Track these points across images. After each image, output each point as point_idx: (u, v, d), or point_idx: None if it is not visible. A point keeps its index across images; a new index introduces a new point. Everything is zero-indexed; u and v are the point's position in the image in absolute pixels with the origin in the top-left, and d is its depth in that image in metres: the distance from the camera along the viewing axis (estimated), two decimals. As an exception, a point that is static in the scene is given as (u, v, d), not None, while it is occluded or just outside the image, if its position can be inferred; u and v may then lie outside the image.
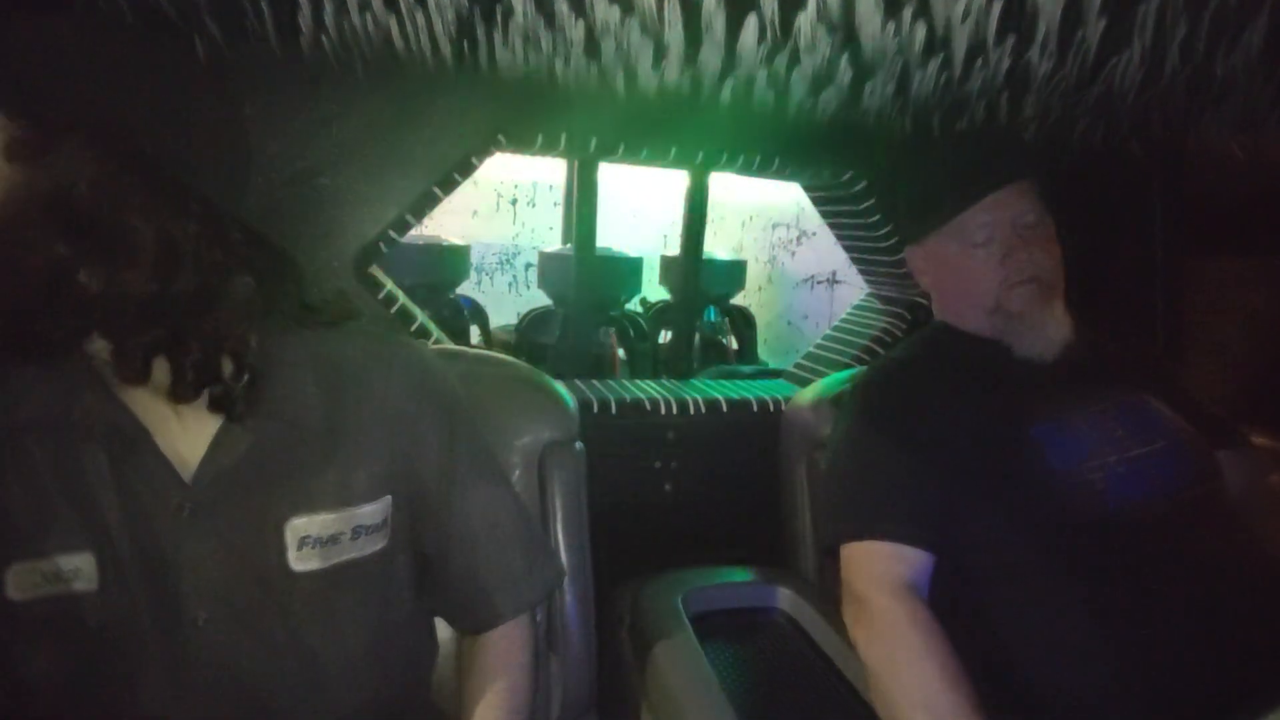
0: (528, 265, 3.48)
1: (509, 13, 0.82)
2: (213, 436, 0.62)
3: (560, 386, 0.99)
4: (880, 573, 0.85)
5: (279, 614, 0.62)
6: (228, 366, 0.61)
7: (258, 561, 0.62)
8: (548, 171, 3.49)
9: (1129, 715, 0.77)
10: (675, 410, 1.33)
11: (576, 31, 0.87)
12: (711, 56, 0.93)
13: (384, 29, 0.89)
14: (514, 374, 0.98)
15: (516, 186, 3.57)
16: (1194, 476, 0.90)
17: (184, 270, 0.57)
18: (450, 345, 1.15)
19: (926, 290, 1.12)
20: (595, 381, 1.44)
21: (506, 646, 0.75)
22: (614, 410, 1.29)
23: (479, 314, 2.35)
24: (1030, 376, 0.96)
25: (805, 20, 0.76)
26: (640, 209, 3.60)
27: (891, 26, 0.76)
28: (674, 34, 0.85)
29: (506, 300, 3.33)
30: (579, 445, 0.97)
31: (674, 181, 3.52)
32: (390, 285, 1.16)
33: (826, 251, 3.58)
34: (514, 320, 2.59)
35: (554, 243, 3.48)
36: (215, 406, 0.61)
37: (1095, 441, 0.89)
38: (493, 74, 1.04)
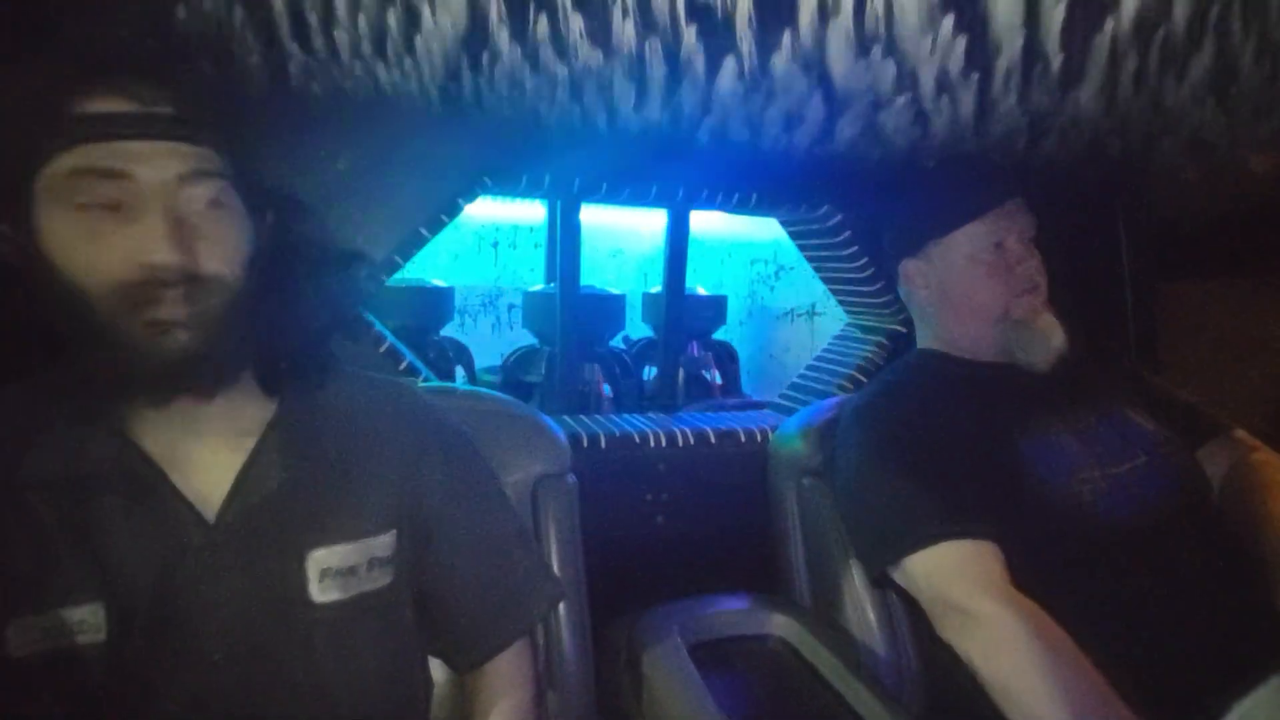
0: (510, 306, 3.49)
1: (495, 58, 0.85)
2: (236, 473, 0.63)
3: (550, 420, 1.00)
4: (973, 574, 0.82)
5: (298, 648, 0.63)
6: None
7: (278, 595, 0.62)
8: (528, 213, 3.53)
9: None
10: (664, 442, 1.33)
11: (560, 75, 0.90)
12: (691, 97, 0.97)
13: (371, 73, 0.91)
14: (505, 409, 0.99)
15: (497, 229, 3.61)
16: (1177, 489, 0.92)
17: None
18: (440, 383, 1.15)
19: (923, 303, 1.11)
20: (584, 416, 1.45)
21: (509, 678, 0.75)
22: (604, 444, 1.29)
23: (464, 355, 2.36)
24: (1015, 395, 0.98)
25: (780, 60, 0.80)
26: (620, 247, 3.64)
27: (862, 64, 0.80)
28: (655, 76, 0.88)
29: (490, 341, 3.33)
30: (571, 478, 0.97)
31: (653, 220, 3.59)
32: (378, 325, 1.17)
33: (804, 285, 3.64)
34: (498, 360, 2.59)
35: (536, 284, 3.50)
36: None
37: (1081, 456, 0.91)
38: (478, 117, 1.07)
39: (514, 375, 2.25)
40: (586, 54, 0.81)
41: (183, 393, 0.59)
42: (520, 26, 0.74)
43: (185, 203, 0.57)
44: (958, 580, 0.83)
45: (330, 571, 0.64)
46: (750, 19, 0.69)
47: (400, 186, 1.10)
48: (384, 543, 0.68)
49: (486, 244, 3.63)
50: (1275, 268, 1.33)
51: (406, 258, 1.14)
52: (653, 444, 1.33)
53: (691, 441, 1.35)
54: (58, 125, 0.54)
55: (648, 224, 3.63)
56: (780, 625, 1.01)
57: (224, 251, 0.58)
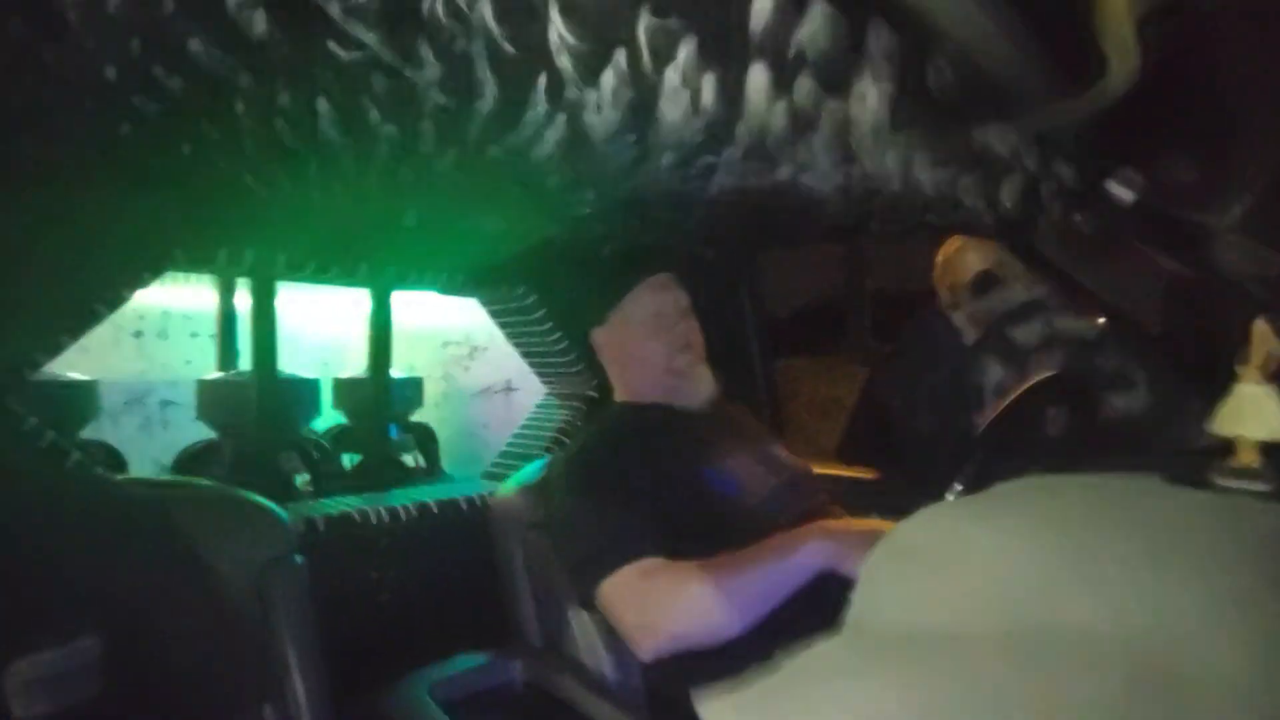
0: (163, 403, 3.02)
1: (187, 121, 0.80)
2: None
3: (269, 502, 0.96)
4: (648, 589, 0.96)
5: None
6: None
7: None
8: (184, 298, 3.14)
9: None
10: (386, 518, 1.32)
11: (263, 145, 0.88)
12: (398, 176, 1.03)
13: (43, 130, 0.82)
14: (217, 495, 0.93)
15: (141, 317, 3.14)
16: (812, 495, 1.23)
17: None
18: (146, 476, 1.02)
19: (610, 364, 1.32)
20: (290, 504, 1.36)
21: None
22: (322, 528, 1.24)
23: (116, 459, 1.99)
24: (691, 434, 1.21)
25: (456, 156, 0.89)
26: (293, 333, 3.42)
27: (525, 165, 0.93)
28: (363, 149, 0.91)
29: (140, 443, 2.83)
30: (298, 558, 0.94)
31: (329, 304, 3.44)
32: (34, 418, 1.00)
33: (498, 363, 3.78)
34: (154, 468, 2.24)
35: (195, 376, 3.10)
36: None
37: (746, 477, 1.16)
38: (170, 183, 1.00)
39: (189, 475, 1.97)
40: (284, 125, 0.81)
41: None
42: (209, 82, 0.63)
43: None
44: (635, 599, 0.98)
45: (34, 684, 0.58)
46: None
47: (71, 258, 0.97)
48: (88, 647, 0.62)
49: (126, 334, 3.13)
50: (839, 348, 1.87)
51: (76, 337, 1.00)
52: (374, 520, 1.31)
53: (414, 514, 1.36)
54: None
55: (322, 309, 3.49)
56: (523, 669, 1.07)
57: None
